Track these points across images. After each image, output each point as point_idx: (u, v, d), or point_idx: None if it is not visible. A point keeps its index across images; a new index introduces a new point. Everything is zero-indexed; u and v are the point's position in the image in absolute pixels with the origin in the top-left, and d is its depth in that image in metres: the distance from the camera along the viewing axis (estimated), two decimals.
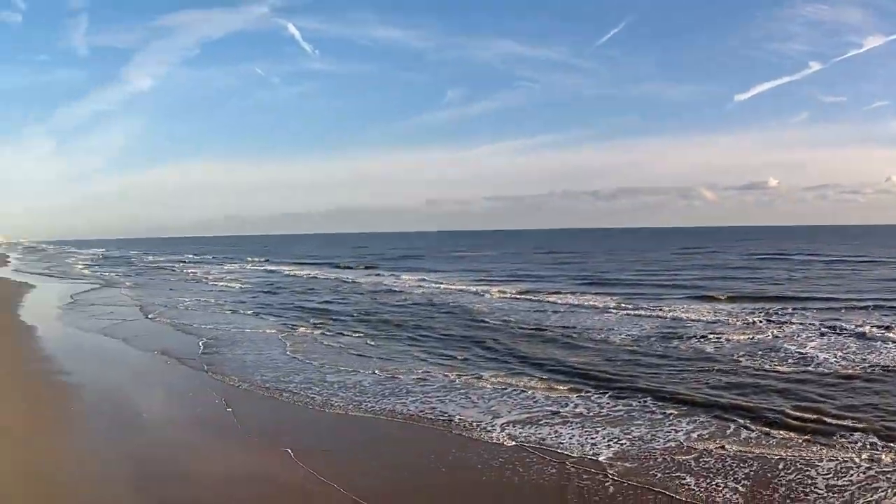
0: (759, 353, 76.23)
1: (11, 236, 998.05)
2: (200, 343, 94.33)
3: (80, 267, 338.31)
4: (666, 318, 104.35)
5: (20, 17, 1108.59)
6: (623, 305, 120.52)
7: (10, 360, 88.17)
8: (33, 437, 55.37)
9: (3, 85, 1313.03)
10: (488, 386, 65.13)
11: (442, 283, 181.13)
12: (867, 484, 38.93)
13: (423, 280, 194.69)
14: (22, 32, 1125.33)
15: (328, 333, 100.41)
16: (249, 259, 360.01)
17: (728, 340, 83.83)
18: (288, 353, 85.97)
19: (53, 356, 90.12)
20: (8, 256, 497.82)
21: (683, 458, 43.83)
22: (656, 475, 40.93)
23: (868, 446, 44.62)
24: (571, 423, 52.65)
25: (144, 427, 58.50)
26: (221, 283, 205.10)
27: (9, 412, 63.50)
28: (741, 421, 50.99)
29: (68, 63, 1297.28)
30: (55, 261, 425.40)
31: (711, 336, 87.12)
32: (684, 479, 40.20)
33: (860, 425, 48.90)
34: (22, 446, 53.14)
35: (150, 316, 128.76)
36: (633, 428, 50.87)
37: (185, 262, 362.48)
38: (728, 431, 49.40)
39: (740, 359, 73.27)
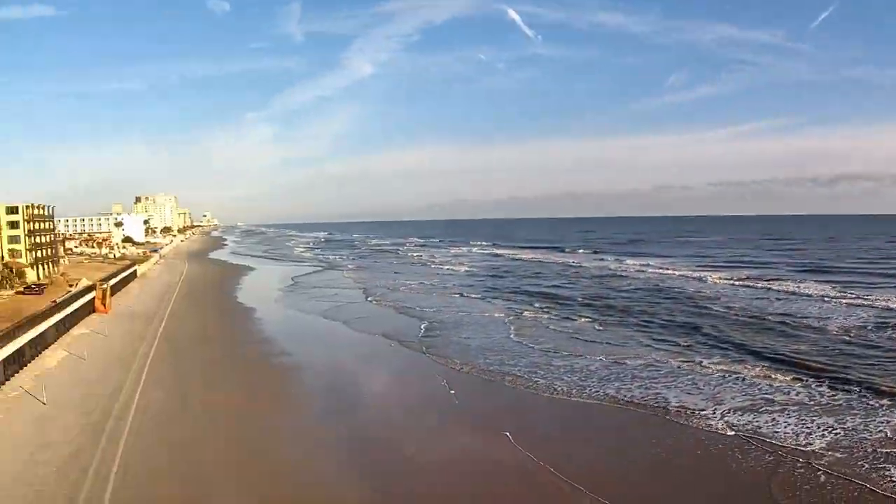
0: None
1: (229, 220, 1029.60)
2: (422, 326, 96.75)
3: (301, 249, 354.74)
4: (881, 307, 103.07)
5: (228, 6, 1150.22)
6: (841, 294, 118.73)
7: (229, 342, 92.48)
8: (251, 417, 58.56)
9: (218, 72, 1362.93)
10: (712, 373, 66.74)
11: (666, 269, 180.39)
12: None
13: (648, 265, 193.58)
14: (231, 21, 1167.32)
15: (554, 318, 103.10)
16: (475, 242, 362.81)
17: None
18: (513, 336, 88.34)
19: (273, 338, 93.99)
20: (225, 239, 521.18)
21: (891, 450, 44.30)
22: (864, 466, 41.77)
23: None
24: (789, 411, 53.70)
25: (365, 408, 60.99)
26: (447, 267, 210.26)
27: (227, 392, 67.10)
28: None
29: (284, 50, 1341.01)
30: (274, 243, 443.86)
31: None
32: (888, 470, 40.94)
33: None
34: (244, 425, 56.44)
35: (372, 299, 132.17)
36: (847, 418, 51.46)
37: (409, 245, 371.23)
38: None
39: None
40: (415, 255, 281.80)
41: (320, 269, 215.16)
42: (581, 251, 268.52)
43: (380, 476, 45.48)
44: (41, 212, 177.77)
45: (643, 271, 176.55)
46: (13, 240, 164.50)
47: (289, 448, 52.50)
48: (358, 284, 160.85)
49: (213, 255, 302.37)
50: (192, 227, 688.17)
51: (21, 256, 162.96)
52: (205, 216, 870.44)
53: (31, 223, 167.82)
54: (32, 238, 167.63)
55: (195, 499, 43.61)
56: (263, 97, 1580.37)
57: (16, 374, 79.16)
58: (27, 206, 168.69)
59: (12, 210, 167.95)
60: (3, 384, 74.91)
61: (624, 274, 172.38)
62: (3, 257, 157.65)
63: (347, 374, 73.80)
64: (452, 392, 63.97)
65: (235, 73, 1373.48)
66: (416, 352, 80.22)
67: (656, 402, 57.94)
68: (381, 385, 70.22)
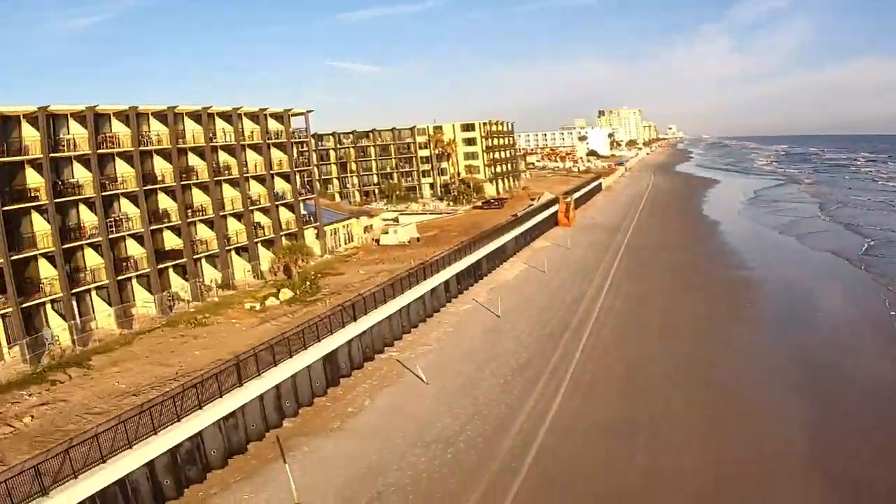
0: None
1: (693, 132, 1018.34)
2: (865, 243, 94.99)
3: (762, 162, 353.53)
4: None
5: None
6: None
7: (693, 255, 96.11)
8: (706, 331, 62.81)
9: None
10: None
11: None
12: None
13: None
14: None
15: None
16: None
17: None
18: None
19: (734, 251, 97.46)
20: (690, 152, 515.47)
21: None
22: None
23: None
24: None
25: (811, 325, 62.97)
26: (893, 183, 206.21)
27: (687, 306, 70.72)
28: None
29: None
30: (736, 156, 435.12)
31: None
32: None
33: None
34: (699, 340, 58.96)
35: (824, 214, 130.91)
36: None
37: (861, 160, 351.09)
38: None
39: None
40: (864, 170, 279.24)
41: (780, 182, 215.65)
42: None
43: (816, 399, 46.13)
44: (500, 128, 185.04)
45: None
46: (470, 156, 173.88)
47: (737, 363, 54.25)
48: (813, 199, 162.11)
49: (679, 167, 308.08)
50: (658, 139, 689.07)
51: (479, 172, 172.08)
52: (670, 129, 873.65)
53: (489, 139, 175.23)
54: (490, 154, 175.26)
55: (639, 419, 45.40)
56: (721, 9, 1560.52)
57: (470, 287, 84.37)
58: (484, 123, 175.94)
59: (468, 127, 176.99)
60: (456, 297, 79.92)
61: None
62: (459, 173, 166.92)
63: (797, 290, 75.90)
64: (893, 314, 63.75)
65: None
66: (861, 270, 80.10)
67: None
68: (826, 303, 71.46)
